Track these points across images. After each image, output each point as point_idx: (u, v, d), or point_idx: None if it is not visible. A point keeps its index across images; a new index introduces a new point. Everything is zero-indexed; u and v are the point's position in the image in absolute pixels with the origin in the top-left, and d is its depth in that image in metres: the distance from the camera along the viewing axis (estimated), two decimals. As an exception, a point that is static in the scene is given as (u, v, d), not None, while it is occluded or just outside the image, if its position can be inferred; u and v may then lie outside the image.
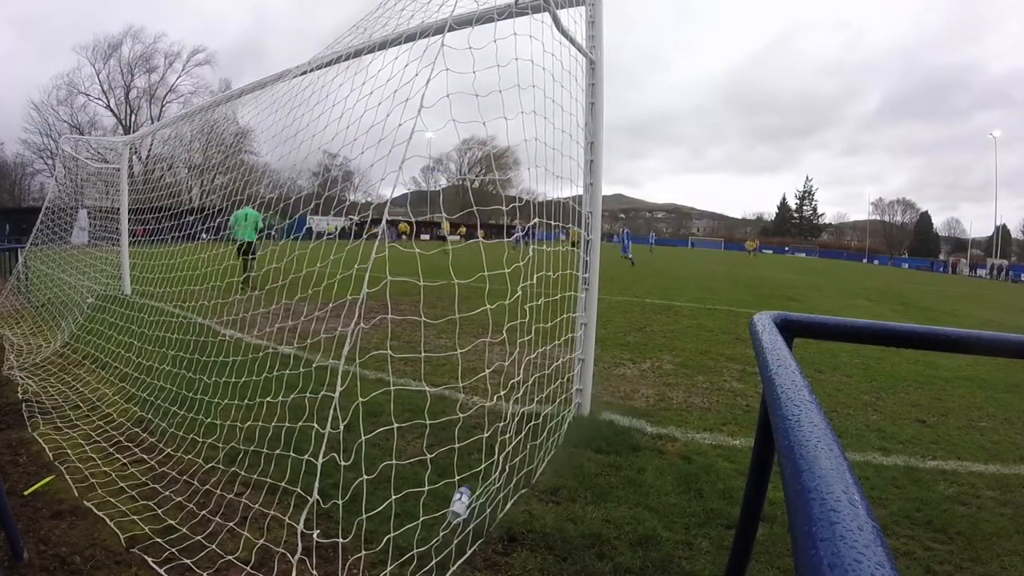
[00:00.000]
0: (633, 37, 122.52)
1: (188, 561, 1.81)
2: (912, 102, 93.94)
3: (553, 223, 2.95)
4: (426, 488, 1.91)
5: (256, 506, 2.11)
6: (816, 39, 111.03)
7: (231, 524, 2.02)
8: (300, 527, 1.64)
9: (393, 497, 1.80)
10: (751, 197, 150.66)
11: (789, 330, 1.09)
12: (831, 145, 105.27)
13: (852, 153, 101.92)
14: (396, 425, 1.90)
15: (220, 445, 2.53)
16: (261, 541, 1.89)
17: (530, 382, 2.62)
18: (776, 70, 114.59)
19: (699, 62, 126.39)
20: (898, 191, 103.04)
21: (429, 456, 1.99)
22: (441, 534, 1.87)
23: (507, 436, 2.31)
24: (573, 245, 3.30)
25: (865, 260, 55.93)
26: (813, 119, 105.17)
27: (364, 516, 1.68)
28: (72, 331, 5.02)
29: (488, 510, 2.08)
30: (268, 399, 2.46)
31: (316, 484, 1.63)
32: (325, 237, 2.78)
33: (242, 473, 2.32)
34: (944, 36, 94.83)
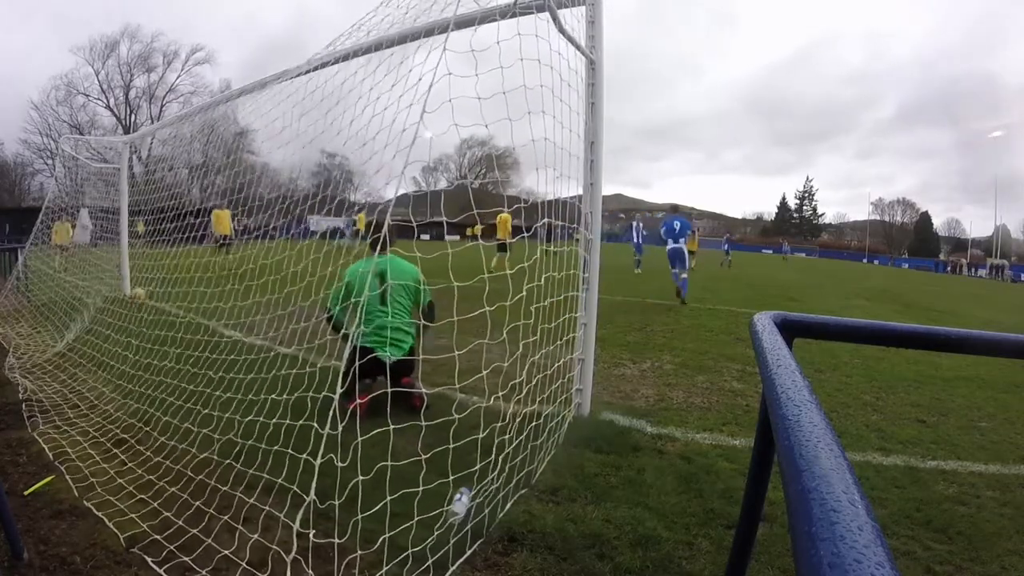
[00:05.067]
0: (668, 42, 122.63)
1: (187, 559, 1.81)
2: (926, 109, 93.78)
3: (558, 223, 2.96)
4: (424, 488, 1.91)
5: (253, 502, 2.11)
6: (844, 48, 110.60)
7: (230, 522, 2.02)
8: (296, 526, 1.64)
9: (390, 497, 1.80)
10: (751, 197, 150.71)
11: (789, 330, 1.09)
12: (844, 149, 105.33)
13: (864, 157, 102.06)
14: (394, 426, 1.90)
15: (216, 437, 2.54)
16: (259, 539, 1.89)
17: (521, 378, 2.62)
18: (801, 77, 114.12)
19: (728, 68, 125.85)
20: (904, 193, 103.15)
21: (428, 456, 1.99)
22: (438, 534, 1.88)
23: (507, 436, 2.31)
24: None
25: (865, 260, 55.85)
26: (830, 124, 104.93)
27: (360, 516, 1.68)
28: (78, 332, 5.02)
29: (487, 510, 2.08)
30: (269, 397, 2.46)
31: (313, 484, 1.63)
32: (318, 237, 2.79)
33: (239, 469, 2.32)
34: (963, 47, 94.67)
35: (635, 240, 15.55)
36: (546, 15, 2.70)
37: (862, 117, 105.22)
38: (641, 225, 16.35)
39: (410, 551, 1.77)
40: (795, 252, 60.09)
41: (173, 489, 2.29)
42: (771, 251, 55.44)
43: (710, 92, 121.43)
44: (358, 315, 1.88)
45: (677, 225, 9.32)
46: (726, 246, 25.44)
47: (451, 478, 1.98)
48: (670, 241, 9.16)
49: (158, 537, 1.95)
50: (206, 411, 2.79)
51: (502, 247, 10.86)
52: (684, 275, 9.02)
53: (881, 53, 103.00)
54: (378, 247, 2.49)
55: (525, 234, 2.78)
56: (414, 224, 2.16)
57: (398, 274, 3.23)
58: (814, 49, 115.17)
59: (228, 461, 2.38)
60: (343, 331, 3.20)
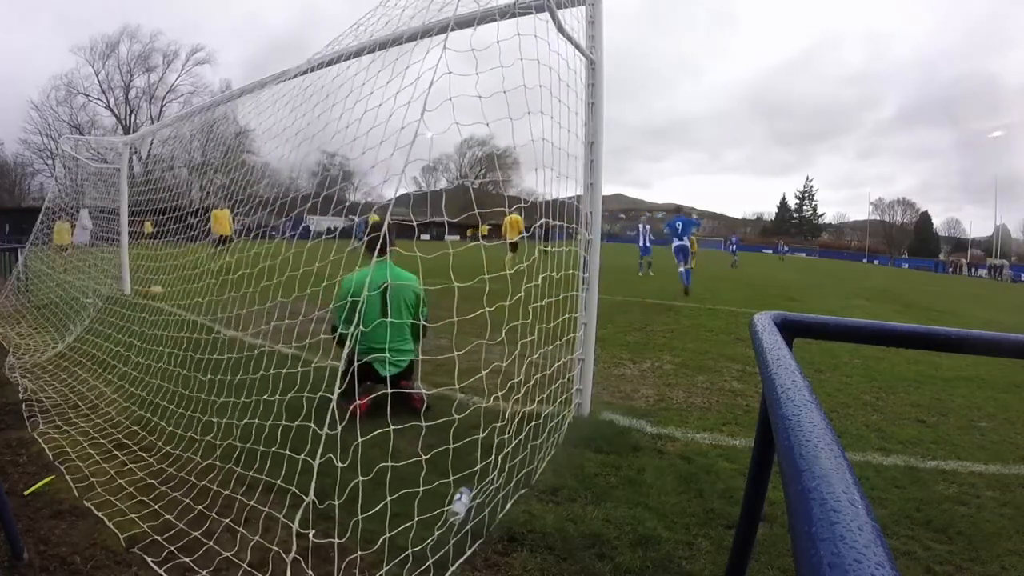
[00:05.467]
0: (669, 43, 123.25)
1: (188, 560, 1.81)
2: (927, 110, 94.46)
3: (557, 223, 2.97)
4: (424, 488, 1.91)
5: (253, 503, 2.11)
6: (845, 49, 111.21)
7: (230, 523, 2.02)
8: (296, 527, 1.64)
9: (390, 497, 1.80)
10: (751, 197, 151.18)
11: (789, 330, 1.09)
12: (844, 149, 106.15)
13: (864, 157, 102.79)
14: (394, 427, 1.90)
15: (218, 443, 2.54)
16: (260, 540, 1.89)
17: (529, 382, 2.62)
18: (803, 78, 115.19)
19: (729, 68, 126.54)
20: (905, 193, 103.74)
21: (428, 456, 1.99)
22: (438, 534, 1.88)
23: (507, 436, 2.31)
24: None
25: (865, 260, 55.83)
26: (831, 125, 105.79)
27: (360, 516, 1.68)
28: (78, 334, 5.02)
29: (487, 510, 2.08)
30: (266, 397, 2.46)
31: (312, 484, 1.63)
32: (324, 237, 2.77)
33: (238, 470, 2.32)
34: (963, 48, 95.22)
35: (641, 243, 15.03)
36: (545, 15, 2.70)
37: (862, 117, 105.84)
38: (648, 228, 15.62)
39: (410, 551, 1.77)
40: (795, 252, 60.36)
41: (175, 494, 2.29)
42: (771, 251, 55.57)
43: (711, 92, 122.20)
44: (357, 315, 1.87)
45: (679, 225, 10.70)
46: (734, 247, 25.15)
47: (451, 478, 1.98)
48: (675, 240, 10.51)
49: (158, 538, 1.95)
50: (206, 417, 2.79)
51: (512, 247, 10.92)
52: (688, 267, 10.42)
53: (881, 54, 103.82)
54: (376, 248, 2.43)
55: (524, 234, 2.79)
56: (414, 223, 2.15)
57: (398, 286, 3.21)
58: (815, 50, 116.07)
59: (229, 465, 2.38)
60: (340, 331, 3.17)
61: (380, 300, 3.13)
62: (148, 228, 6.61)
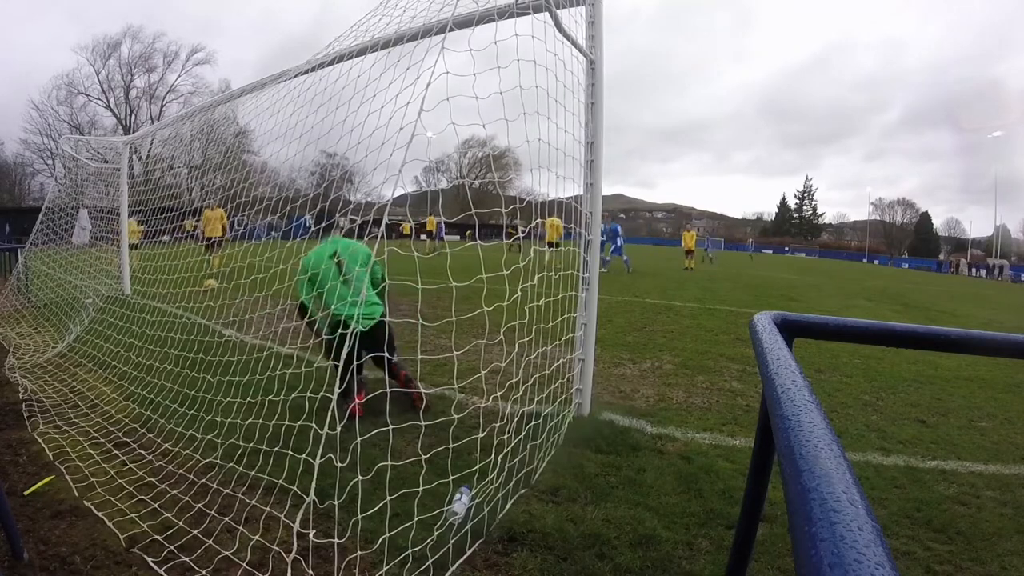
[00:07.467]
0: (690, 45, 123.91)
1: (188, 559, 1.81)
2: (929, 112, 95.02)
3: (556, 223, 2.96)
4: (424, 488, 1.91)
5: (254, 503, 2.11)
6: (856, 54, 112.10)
7: (230, 521, 2.02)
8: (296, 527, 1.64)
9: (390, 497, 1.80)
10: (753, 197, 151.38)
11: (789, 330, 1.09)
12: (847, 151, 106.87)
13: (866, 158, 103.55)
14: (393, 426, 1.90)
15: (219, 442, 2.54)
16: (260, 540, 1.89)
17: (531, 382, 2.62)
18: (814, 82, 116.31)
19: (733, 71, 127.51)
20: (906, 193, 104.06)
21: (427, 456, 1.99)
22: (438, 534, 1.88)
23: (507, 436, 2.31)
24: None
25: (865, 260, 55.83)
26: (833, 127, 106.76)
27: (360, 516, 1.68)
28: (78, 334, 5.02)
29: (487, 510, 2.08)
30: (268, 398, 2.46)
31: (313, 484, 1.63)
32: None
33: (240, 469, 2.32)
34: (965, 52, 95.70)
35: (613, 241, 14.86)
36: (544, 15, 2.70)
37: (865, 120, 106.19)
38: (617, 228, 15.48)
39: (410, 551, 1.77)
40: (795, 252, 60.99)
41: (175, 491, 2.29)
42: (771, 251, 55.90)
43: (714, 95, 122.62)
44: (323, 303, 1.89)
45: (616, 230, 14.99)
46: (708, 244, 30.11)
47: (451, 478, 1.98)
48: (618, 240, 14.90)
49: (158, 537, 1.95)
50: (208, 416, 2.79)
51: (552, 246, 11.14)
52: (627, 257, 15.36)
53: (887, 58, 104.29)
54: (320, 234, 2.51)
55: (520, 235, 2.78)
56: (412, 224, 2.15)
57: (350, 251, 3.22)
58: (820, 55, 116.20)
59: (230, 464, 2.38)
60: (309, 316, 3.17)
61: (336, 265, 3.16)
62: (188, 227, 6.55)
